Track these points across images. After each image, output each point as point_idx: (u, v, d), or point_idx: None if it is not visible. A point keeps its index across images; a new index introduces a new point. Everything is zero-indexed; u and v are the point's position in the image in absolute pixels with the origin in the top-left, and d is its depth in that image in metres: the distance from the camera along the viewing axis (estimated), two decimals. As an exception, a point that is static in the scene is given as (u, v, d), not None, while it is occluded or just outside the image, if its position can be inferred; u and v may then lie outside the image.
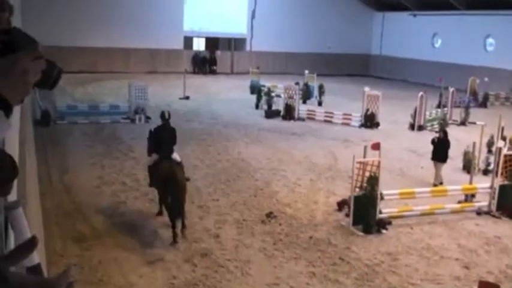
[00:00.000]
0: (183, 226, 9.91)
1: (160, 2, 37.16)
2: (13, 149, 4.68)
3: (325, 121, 21.84)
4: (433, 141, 14.12)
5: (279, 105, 22.91)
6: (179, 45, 38.59)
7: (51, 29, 33.31)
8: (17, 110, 7.17)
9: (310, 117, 22.28)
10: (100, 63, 35.33)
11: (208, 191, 12.62)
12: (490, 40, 33.59)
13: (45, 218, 9.68)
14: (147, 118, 20.36)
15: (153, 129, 11.23)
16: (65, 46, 33.70)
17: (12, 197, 2.24)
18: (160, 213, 10.72)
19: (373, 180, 10.70)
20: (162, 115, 10.96)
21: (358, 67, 42.56)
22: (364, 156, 10.89)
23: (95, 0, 35.22)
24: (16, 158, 4.46)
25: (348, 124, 21.32)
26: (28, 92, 1.37)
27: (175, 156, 10.63)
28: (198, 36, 40.73)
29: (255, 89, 26.39)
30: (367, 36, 43.47)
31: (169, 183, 9.66)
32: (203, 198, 12.12)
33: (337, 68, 41.26)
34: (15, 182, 1.82)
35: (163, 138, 10.67)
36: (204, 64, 39.29)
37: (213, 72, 39.29)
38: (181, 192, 9.74)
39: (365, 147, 10.97)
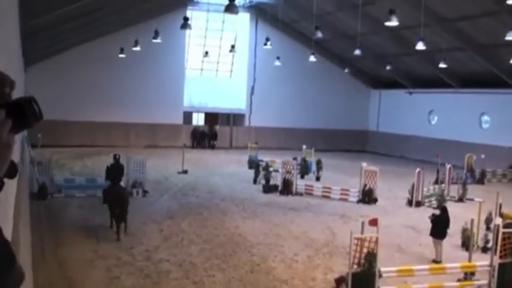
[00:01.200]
0: (125, 227, 14.73)
1: (161, 80, 37.97)
2: (7, 223, 4.66)
3: (323, 196, 21.77)
4: (432, 218, 14.04)
5: (277, 180, 22.90)
6: (179, 120, 39.15)
7: (52, 104, 33.89)
8: (13, 183, 7.19)
9: (308, 192, 22.23)
10: (100, 137, 35.70)
11: (204, 267, 12.42)
12: (485, 118, 34.04)
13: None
14: (145, 192, 20.32)
15: (109, 165, 17.80)
16: (67, 120, 34.32)
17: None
18: (111, 226, 14.82)
19: (371, 257, 10.55)
20: (114, 156, 17.93)
21: (355, 143, 42.95)
22: (362, 232, 10.79)
23: (97, 77, 36.04)
24: (10, 232, 4.44)
25: (345, 199, 21.24)
26: (7, 157, 1.38)
27: (122, 183, 16.88)
28: (198, 111, 41.31)
29: (253, 164, 26.51)
30: (364, 113, 44.09)
31: (118, 200, 14.51)
32: (198, 274, 11.91)
33: (335, 143, 41.65)
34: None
35: (115, 171, 17.18)
36: (203, 139, 39.70)
37: (212, 146, 39.61)
38: (125, 206, 14.54)
39: (363, 223, 10.90)
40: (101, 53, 35.58)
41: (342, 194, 21.65)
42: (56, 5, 15.27)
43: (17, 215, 6.52)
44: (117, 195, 14.62)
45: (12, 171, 2.35)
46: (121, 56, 34.50)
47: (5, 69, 3.76)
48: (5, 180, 1.45)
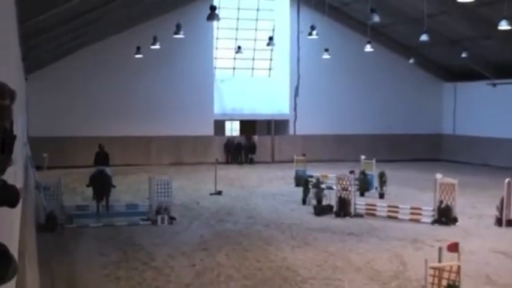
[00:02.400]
0: (107, 206, 21.28)
1: (186, 83, 38.44)
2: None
3: (389, 217, 21.53)
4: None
5: (330, 199, 22.75)
6: (209, 130, 39.54)
7: (58, 117, 34.79)
8: (16, 213, 7.39)
9: (370, 213, 22.02)
10: (116, 154, 35.99)
11: (246, 308, 12.42)
12: None
13: None
14: (171, 219, 20.46)
15: (95, 153, 23.47)
16: (76, 136, 35.11)
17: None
18: (98, 205, 21.06)
19: (453, 291, 10.40)
20: (99, 145, 23.65)
21: (426, 150, 42.59)
22: (440, 261, 10.65)
23: (110, 83, 36.72)
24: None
25: (417, 220, 20.96)
26: None
27: (107, 170, 21.97)
28: (231, 119, 41.62)
29: (301, 181, 26.47)
30: (436, 112, 43.69)
31: (100, 183, 20.99)
32: (240, 317, 11.92)
33: (401, 152, 41.40)
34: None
35: (100, 158, 23.07)
36: (239, 152, 39.95)
37: (250, 161, 39.82)
38: (106, 189, 21.14)
39: (440, 249, 10.75)
40: (113, 54, 36.28)
41: (412, 213, 21.38)
42: (57, 1, 15.65)
43: (22, 251, 6.68)
44: (99, 179, 21.21)
45: (13, 198, 2.46)
46: (137, 56, 35.05)
47: (4, 78, 3.88)
48: (7, 209, 1.54)
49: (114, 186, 22.16)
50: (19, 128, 8.79)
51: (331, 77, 41.08)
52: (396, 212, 21.74)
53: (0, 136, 2.23)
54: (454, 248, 10.72)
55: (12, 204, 2.71)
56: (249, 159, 40.06)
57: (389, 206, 22.26)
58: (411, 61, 39.78)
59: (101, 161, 22.72)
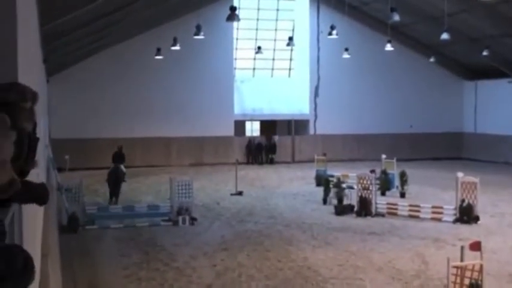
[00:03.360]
0: (116, 200, 23.76)
1: (207, 83, 38.49)
2: (35, 261, 4.84)
3: (410, 216, 21.45)
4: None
5: (351, 199, 22.75)
6: (229, 131, 39.60)
7: (79, 119, 35.07)
8: (39, 216, 7.46)
9: (391, 213, 21.95)
10: (137, 155, 36.30)
11: (267, 308, 12.43)
12: None
13: None
14: (193, 219, 20.53)
15: (114, 153, 27.14)
16: (98, 138, 35.38)
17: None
18: (111, 200, 23.98)
19: (475, 290, 10.33)
20: (118, 146, 27.82)
21: (447, 149, 42.36)
22: (462, 260, 10.58)
23: (131, 84, 36.89)
24: (37, 271, 4.60)
25: (439, 219, 20.86)
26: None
27: (122, 167, 25.42)
28: (252, 120, 41.66)
29: (322, 180, 26.44)
30: (457, 111, 43.44)
31: (115, 176, 24.03)
32: (262, 317, 11.93)
33: (422, 151, 41.23)
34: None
35: (116, 158, 26.51)
36: (259, 152, 39.97)
37: (271, 161, 39.83)
38: (117, 183, 24.14)
39: (462, 248, 10.69)
40: (134, 56, 36.48)
41: (434, 212, 21.28)
42: (78, 3, 15.78)
43: (45, 252, 6.75)
44: (115, 175, 24.19)
45: (42, 195, 2.52)
46: (158, 57, 35.19)
47: (26, 80, 3.91)
48: (31, 212, 1.60)
49: (125, 181, 25.93)
50: (41, 130, 8.87)
51: (351, 76, 40.98)
52: (418, 211, 21.65)
53: (25, 139, 2.26)
54: (476, 246, 10.66)
55: (43, 201, 2.75)
56: (269, 159, 40.05)
57: (410, 205, 22.20)
58: (432, 60, 39.50)
59: (117, 160, 26.15)
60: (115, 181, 24.10)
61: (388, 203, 22.66)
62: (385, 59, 39.23)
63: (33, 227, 5.63)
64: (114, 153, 27.26)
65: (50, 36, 17.20)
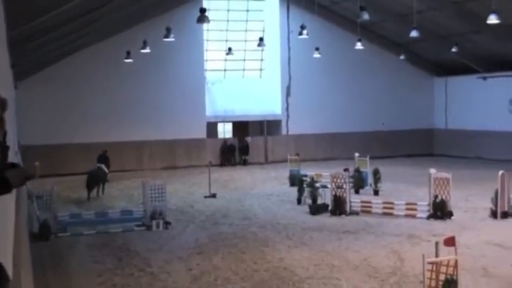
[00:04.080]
0: (103, 192, 27.38)
1: (178, 86, 38.36)
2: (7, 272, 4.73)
3: (385, 214, 21.56)
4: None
5: (325, 198, 22.79)
6: (201, 133, 39.45)
7: (49, 125, 34.70)
8: (10, 225, 7.33)
9: (366, 210, 22.04)
10: (111, 161, 35.95)
11: (244, 310, 12.40)
12: None
13: None
14: (167, 223, 20.41)
15: (98, 155, 29.53)
16: (68, 143, 35.06)
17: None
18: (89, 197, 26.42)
19: (451, 285, 10.40)
20: (103, 150, 30.27)
21: (419, 145, 42.76)
22: (437, 255, 10.64)
23: (101, 89, 36.58)
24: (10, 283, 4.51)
25: (413, 216, 20.99)
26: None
27: (104, 167, 27.92)
28: (223, 121, 41.58)
29: (296, 180, 26.52)
30: (428, 108, 43.82)
31: (95, 174, 26.90)
32: (239, 320, 11.89)
33: (395, 148, 41.57)
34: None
35: (100, 159, 28.89)
36: (232, 154, 39.94)
37: (244, 162, 39.82)
38: (98, 179, 26.88)
39: (437, 244, 10.75)
40: (103, 59, 36.15)
41: (407, 209, 21.41)
42: (46, 8, 15.58)
43: (16, 261, 6.63)
44: (95, 173, 27.06)
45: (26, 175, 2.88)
46: (127, 61, 35.00)
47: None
48: (4, 217, 1.57)
49: (107, 181, 28.11)
50: (11, 138, 8.73)
51: (322, 76, 41.07)
52: (391, 208, 21.77)
53: None
54: (450, 242, 10.72)
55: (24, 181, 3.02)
56: (242, 160, 40.03)
57: (384, 203, 22.32)
58: (402, 57, 39.84)
59: (100, 162, 28.60)
60: (95, 180, 26.67)
61: (362, 201, 22.76)
62: (355, 57, 39.39)
63: (4, 235, 5.54)
64: (99, 156, 29.63)
65: (17, 41, 16.97)
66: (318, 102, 41.04)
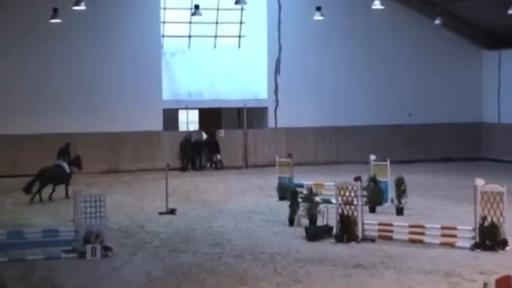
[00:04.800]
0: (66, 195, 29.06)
1: (123, 57, 38.42)
2: None
3: (412, 241, 21.47)
4: None
5: (328, 217, 22.75)
6: (156, 124, 39.41)
7: None
8: None
9: (385, 236, 21.95)
10: (28, 160, 35.71)
11: None
12: None
13: None
14: (106, 249, 20.25)
15: (58, 150, 31.23)
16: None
17: None
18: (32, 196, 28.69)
19: None
20: (66, 143, 31.80)
21: (461, 145, 42.96)
22: (486, 302, 10.65)
23: (17, 62, 36.49)
24: None
25: (451, 245, 20.96)
26: None
27: (65, 166, 30.09)
28: (187, 108, 41.34)
29: (287, 192, 26.38)
30: (474, 93, 43.87)
31: (47, 172, 29.61)
32: None
33: (426, 149, 41.77)
34: None
35: (60, 154, 31.05)
36: (197, 153, 39.80)
37: (215, 166, 39.84)
38: (45, 178, 29.31)
39: (485, 285, 10.75)
40: (20, 21, 35.93)
41: (444, 235, 21.31)
42: None
43: None
44: (50, 171, 29.51)
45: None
46: (54, 21, 34.72)
47: None
48: None
49: (68, 184, 29.71)
50: None
51: (325, 46, 41.09)
52: (421, 233, 21.64)
53: None
54: (505, 283, 10.73)
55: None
56: (213, 163, 40.00)
57: (411, 226, 22.15)
58: (437, 22, 39.71)
59: (59, 157, 30.80)
60: (44, 180, 29.23)
61: (379, 223, 22.60)
62: (372, 21, 39.45)
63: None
64: (59, 150, 31.48)
65: None
66: (318, 83, 41.10)
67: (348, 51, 41.37)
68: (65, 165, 30.06)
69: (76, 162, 31.05)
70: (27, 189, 28.45)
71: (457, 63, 43.30)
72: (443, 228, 21.58)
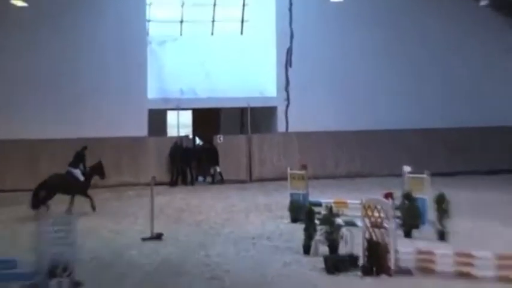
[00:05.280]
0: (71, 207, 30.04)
1: (101, 48, 38.81)
2: None
3: (459, 274, 21.05)
4: None
5: (353, 244, 22.33)
6: (140, 128, 39.59)
7: None
8: None
9: (425, 268, 21.58)
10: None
11: None
12: None
13: None
14: (76, 286, 19.81)
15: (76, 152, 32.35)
16: None
17: None
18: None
19: None
20: (83, 147, 32.52)
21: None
22: None
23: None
24: None
25: (507, 278, 20.44)
26: None
27: (75, 171, 31.15)
28: (178, 109, 41.25)
29: (301, 212, 26.25)
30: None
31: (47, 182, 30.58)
32: None
33: (473, 159, 41.57)
34: None
35: (74, 159, 32.09)
36: (186, 163, 39.95)
37: (213, 179, 40.04)
38: (48, 187, 29.84)
39: None
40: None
41: (500, 266, 20.85)
42: None
43: None
44: (54, 180, 30.11)
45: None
46: (19, 4, 34.92)
47: None
48: None
49: (85, 194, 30.96)
50: None
51: (345, 34, 41.51)
52: (470, 264, 21.22)
53: None
54: None
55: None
56: (211, 176, 40.15)
57: (457, 254, 21.70)
58: (483, 3, 39.72)
59: (73, 162, 31.74)
60: (50, 190, 29.70)
61: (418, 251, 22.23)
62: (403, 4, 39.29)
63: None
64: (75, 154, 32.25)
65: None
66: (337, 78, 41.24)
67: (372, 40, 41.70)
68: (77, 172, 30.92)
69: (97, 170, 31.70)
70: (34, 204, 28.65)
71: (507, 52, 43.13)
72: (499, 257, 21.06)
